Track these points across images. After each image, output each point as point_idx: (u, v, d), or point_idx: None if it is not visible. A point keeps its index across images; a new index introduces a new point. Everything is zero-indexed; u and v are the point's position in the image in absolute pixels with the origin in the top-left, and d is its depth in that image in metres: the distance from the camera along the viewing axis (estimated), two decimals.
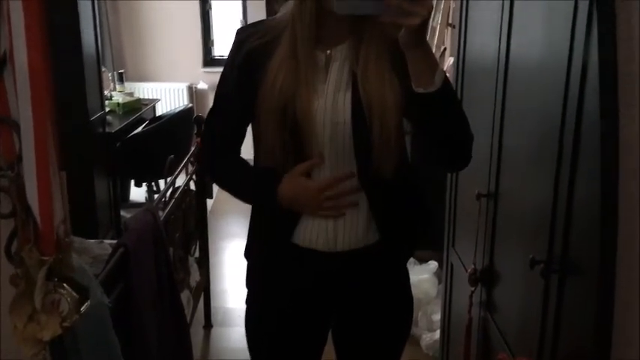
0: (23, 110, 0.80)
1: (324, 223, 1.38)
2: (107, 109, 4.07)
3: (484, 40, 1.91)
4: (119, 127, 4.09)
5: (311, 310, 1.49)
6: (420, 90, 1.19)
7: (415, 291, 1.61)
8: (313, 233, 1.39)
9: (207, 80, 5.95)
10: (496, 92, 1.72)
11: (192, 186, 2.95)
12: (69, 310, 0.87)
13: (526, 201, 1.54)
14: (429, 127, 1.28)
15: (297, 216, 1.39)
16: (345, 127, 1.32)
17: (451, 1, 3.39)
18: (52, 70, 0.83)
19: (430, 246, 2.88)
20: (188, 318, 2.45)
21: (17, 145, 0.83)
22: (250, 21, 4.91)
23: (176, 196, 2.60)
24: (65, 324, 0.88)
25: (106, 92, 4.25)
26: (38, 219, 0.84)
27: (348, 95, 1.32)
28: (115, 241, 2.18)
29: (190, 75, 6.01)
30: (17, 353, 0.89)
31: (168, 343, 2.04)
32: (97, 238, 2.78)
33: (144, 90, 5.72)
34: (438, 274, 3.15)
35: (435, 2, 3.47)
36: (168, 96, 5.92)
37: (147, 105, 4.80)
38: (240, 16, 6.00)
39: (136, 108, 4.57)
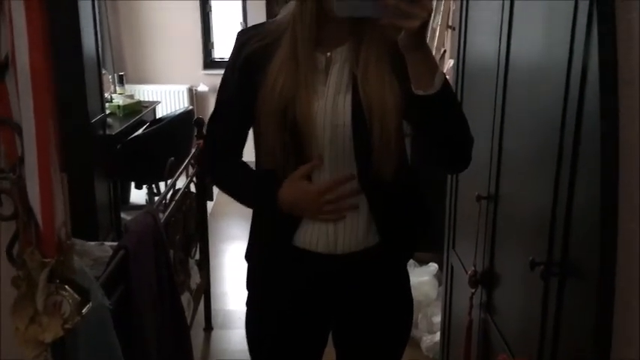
0: (25, 111, 0.80)
1: (325, 226, 1.38)
2: (107, 112, 4.08)
3: (484, 41, 1.91)
4: (119, 129, 4.08)
5: (311, 312, 1.50)
6: (420, 92, 1.19)
7: (415, 293, 1.61)
8: (314, 236, 1.39)
9: (208, 82, 5.95)
10: (496, 94, 1.72)
11: (193, 188, 2.95)
12: (70, 312, 0.87)
13: (526, 203, 1.54)
14: (429, 130, 1.28)
15: (297, 219, 1.39)
16: (345, 129, 1.32)
17: (451, 3, 3.39)
18: (52, 71, 0.83)
19: (430, 248, 2.88)
20: (188, 320, 2.44)
21: (19, 147, 0.83)
22: (250, 22, 4.94)
23: (176, 198, 2.59)
24: (67, 326, 0.87)
25: (106, 94, 4.24)
26: (40, 221, 0.84)
27: (348, 97, 1.32)
28: (115, 244, 2.17)
29: (190, 77, 6.01)
30: (18, 355, 0.89)
31: (168, 345, 2.04)
32: (98, 240, 2.77)
33: (144, 92, 5.73)
34: (438, 276, 3.15)
35: (434, 4, 3.47)
36: (168, 98, 5.92)
37: (147, 107, 4.80)
38: (241, 18, 6.00)
39: (137, 110, 4.56)
